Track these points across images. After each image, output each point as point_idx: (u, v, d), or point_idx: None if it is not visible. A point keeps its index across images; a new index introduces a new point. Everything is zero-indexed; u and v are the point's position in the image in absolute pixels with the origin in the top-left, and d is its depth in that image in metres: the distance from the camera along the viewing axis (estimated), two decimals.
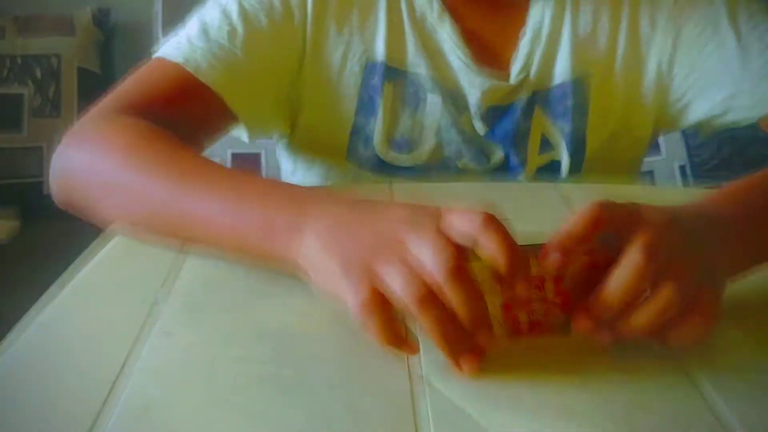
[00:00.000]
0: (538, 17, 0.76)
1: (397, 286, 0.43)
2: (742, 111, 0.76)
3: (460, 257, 0.43)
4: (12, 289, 1.41)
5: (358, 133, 0.79)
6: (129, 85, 0.70)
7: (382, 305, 0.43)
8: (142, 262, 0.56)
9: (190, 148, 0.62)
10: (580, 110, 0.78)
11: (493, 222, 0.43)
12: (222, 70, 0.71)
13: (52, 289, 0.52)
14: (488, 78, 0.76)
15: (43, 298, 0.51)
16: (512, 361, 0.45)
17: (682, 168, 1.70)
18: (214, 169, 0.58)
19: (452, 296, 0.42)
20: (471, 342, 0.43)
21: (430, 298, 0.42)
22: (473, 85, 0.76)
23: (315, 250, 0.49)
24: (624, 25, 0.76)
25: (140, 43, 1.82)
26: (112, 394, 0.41)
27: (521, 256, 0.43)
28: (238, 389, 0.42)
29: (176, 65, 0.70)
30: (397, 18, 0.75)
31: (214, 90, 0.70)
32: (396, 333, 0.44)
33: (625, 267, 0.43)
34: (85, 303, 0.51)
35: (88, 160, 0.62)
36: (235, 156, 1.73)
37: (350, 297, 0.44)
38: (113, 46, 1.90)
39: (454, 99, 0.77)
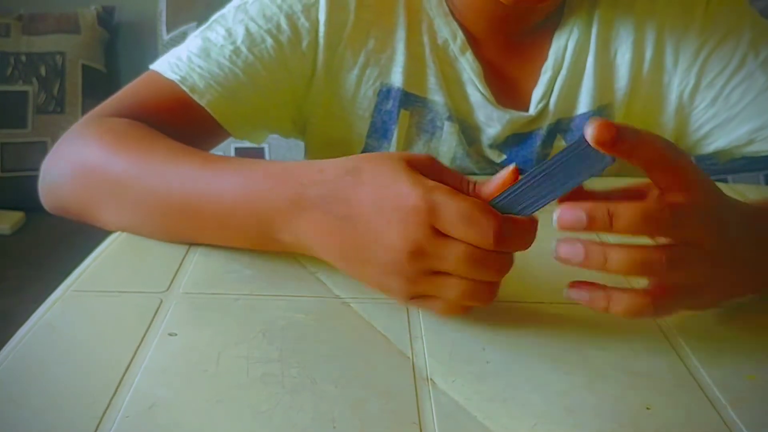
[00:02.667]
0: (560, 49, 0.75)
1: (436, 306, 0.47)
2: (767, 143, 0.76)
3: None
4: (16, 280, 1.43)
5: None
6: (120, 96, 0.69)
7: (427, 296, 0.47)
8: (147, 262, 0.56)
9: (186, 146, 0.60)
10: None
11: None
12: (221, 92, 0.69)
13: (58, 289, 0.52)
14: (507, 111, 0.75)
15: (49, 298, 0.51)
16: (517, 361, 0.46)
17: None
18: (218, 163, 0.57)
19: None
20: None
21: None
22: (491, 118, 0.75)
23: (321, 252, 0.50)
24: (648, 56, 0.75)
25: (144, 42, 1.82)
26: (117, 393, 0.41)
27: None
28: (243, 389, 0.42)
29: (171, 83, 0.68)
30: (417, 47, 0.74)
31: (208, 111, 0.69)
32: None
33: (653, 203, 0.43)
34: (89, 303, 0.51)
35: (78, 169, 0.61)
36: (238, 150, 1.73)
37: (396, 297, 0.48)
38: (117, 45, 1.90)
39: (466, 130, 0.77)
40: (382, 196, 0.46)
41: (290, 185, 0.50)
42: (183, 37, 0.74)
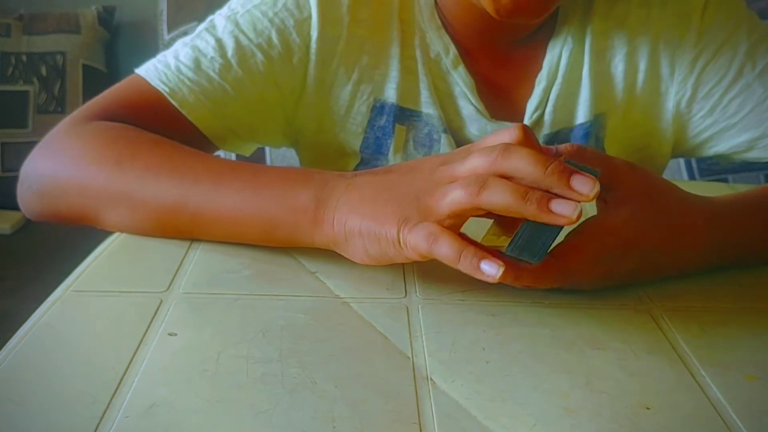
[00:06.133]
0: (555, 59, 0.74)
1: (456, 194, 0.45)
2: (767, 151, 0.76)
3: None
4: (16, 280, 1.43)
5: (365, 165, 0.78)
6: (103, 99, 0.68)
7: (447, 230, 0.45)
8: (147, 262, 0.56)
9: (182, 145, 0.60)
10: (597, 147, 0.77)
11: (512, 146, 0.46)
12: (210, 108, 0.68)
13: (57, 289, 0.52)
14: (501, 123, 0.75)
15: (49, 298, 0.51)
16: (517, 361, 0.46)
17: (688, 163, 1.70)
18: (218, 163, 0.58)
19: (519, 156, 0.45)
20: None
21: (493, 177, 0.45)
22: (485, 131, 0.75)
23: (352, 217, 0.50)
24: (643, 66, 0.75)
25: (145, 42, 1.82)
26: (118, 393, 0.41)
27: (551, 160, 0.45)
28: (242, 388, 0.42)
29: (159, 94, 0.67)
30: (410, 61, 0.74)
31: (197, 126, 0.68)
32: (472, 246, 0.45)
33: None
34: (89, 303, 0.51)
35: (70, 173, 0.60)
36: None
37: (411, 237, 0.46)
38: (118, 44, 1.91)
39: (460, 144, 0.76)
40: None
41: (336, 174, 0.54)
42: (184, 36, 0.74)
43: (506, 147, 0.45)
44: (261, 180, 0.55)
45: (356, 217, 0.50)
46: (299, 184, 0.54)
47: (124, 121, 0.64)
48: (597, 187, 0.44)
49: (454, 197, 0.45)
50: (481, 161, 0.46)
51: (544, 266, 0.47)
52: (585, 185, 0.44)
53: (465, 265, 0.44)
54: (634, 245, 0.52)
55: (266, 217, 0.54)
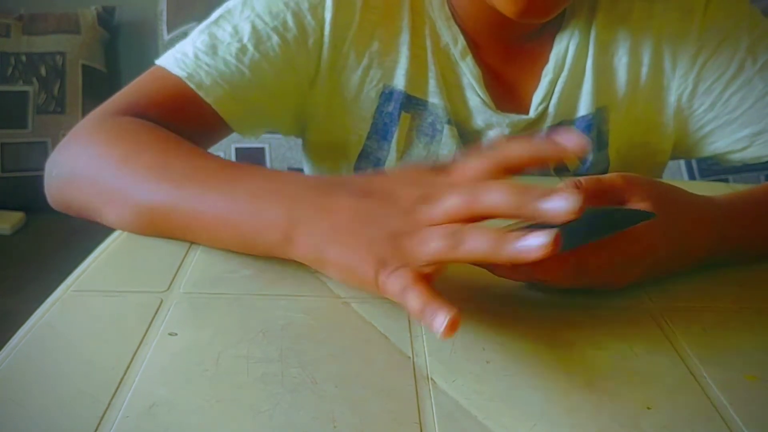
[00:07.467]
0: (561, 51, 0.75)
1: (434, 245, 0.44)
2: (766, 147, 0.76)
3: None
4: (15, 280, 1.43)
5: (367, 156, 0.78)
6: (126, 92, 0.69)
7: (421, 281, 0.44)
8: (147, 262, 0.56)
9: (186, 144, 0.61)
10: (601, 141, 0.78)
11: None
12: (227, 90, 0.69)
13: (58, 289, 0.52)
14: (506, 115, 0.75)
15: (49, 298, 0.51)
16: (517, 361, 0.46)
17: (688, 163, 1.70)
18: (210, 166, 0.57)
19: (494, 191, 0.43)
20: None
21: (469, 228, 0.43)
22: (490, 122, 0.75)
23: (328, 247, 0.49)
24: (646, 60, 0.75)
25: (145, 42, 1.82)
26: (118, 393, 0.41)
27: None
28: (243, 388, 0.42)
29: (177, 79, 0.68)
30: (420, 50, 0.74)
31: (214, 108, 0.69)
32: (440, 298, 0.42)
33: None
34: (89, 303, 0.51)
35: (83, 167, 0.62)
36: (239, 150, 1.74)
37: (390, 285, 0.45)
38: (118, 45, 1.91)
39: (464, 134, 0.77)
40: (412, 172, 0.51)
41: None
42: (184, 36, 0.74)
43: (482, 185, 0.44)
44: (239, 189, 0.54)
45: (332, 249, 0.48)
46: (273, 198, 0.52)
47: (148, 112, 0.66)
48: (580, 202, 0.40)
49: (433, 248, 0.44)
50: (456, 202, 0.45)
51: (561, 259, 0.46)
52: (564, 201, 0.40)
53: (427, 320, 0.41)
54: (651, 252, 0.52)
55: (243, 227, 0.53)
